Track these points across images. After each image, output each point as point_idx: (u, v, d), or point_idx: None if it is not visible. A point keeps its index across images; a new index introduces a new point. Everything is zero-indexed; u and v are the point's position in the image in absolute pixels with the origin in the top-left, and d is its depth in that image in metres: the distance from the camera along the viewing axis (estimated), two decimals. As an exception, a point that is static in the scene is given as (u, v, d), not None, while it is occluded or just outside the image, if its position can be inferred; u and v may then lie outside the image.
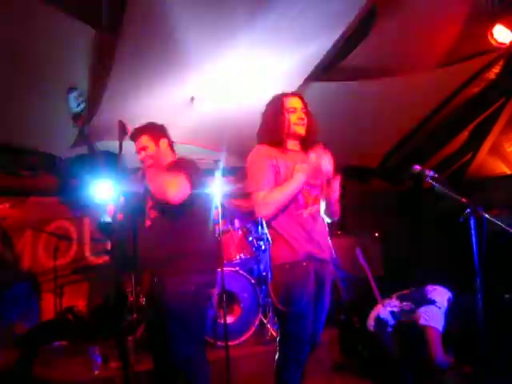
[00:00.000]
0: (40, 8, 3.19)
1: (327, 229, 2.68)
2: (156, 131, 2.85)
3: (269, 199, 2.48)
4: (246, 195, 5.89)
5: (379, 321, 3.82)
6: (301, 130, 2.62)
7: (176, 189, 2.51)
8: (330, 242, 2.66)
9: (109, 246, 5.08)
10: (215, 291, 2.92)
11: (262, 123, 2.69)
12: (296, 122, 2.61)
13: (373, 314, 3.91)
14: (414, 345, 3.61)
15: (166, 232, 2.64)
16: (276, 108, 2.63)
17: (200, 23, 3.52)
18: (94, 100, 4.08)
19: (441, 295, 3.74)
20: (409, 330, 3.68)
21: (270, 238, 2.61)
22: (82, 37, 3.50)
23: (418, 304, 3.73)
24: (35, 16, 3.24)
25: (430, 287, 3.83)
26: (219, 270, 3.88)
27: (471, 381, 3.46)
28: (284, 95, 2.67)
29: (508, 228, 2.72)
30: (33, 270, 5.38)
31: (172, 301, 2.55)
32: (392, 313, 3.82)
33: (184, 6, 3.34)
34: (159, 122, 2.91)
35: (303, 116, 2.63)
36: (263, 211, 2.51)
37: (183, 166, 2.65)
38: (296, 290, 2.45)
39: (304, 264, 2.47)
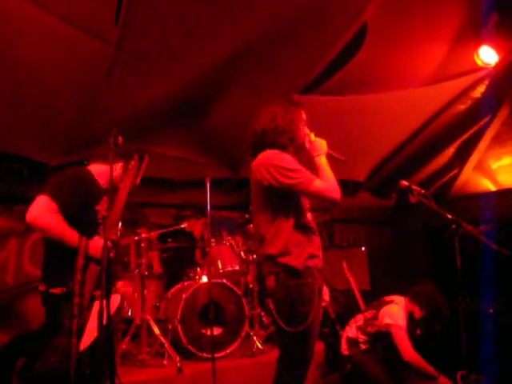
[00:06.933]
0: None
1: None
2: None
3: (330, 183, 2.44)
4: (234, 207, 5.91)
5: (350, 341, 3.80)
6: (307, 143, 2.68)
7: None
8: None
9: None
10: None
11: (280, 130, 2.54)
12: (307, 133, 2.68)
13: (343, 338, 3.90)
14: (390, 350, 3.62)
15: None
16: (298, 118, 2.62)
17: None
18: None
19: (396, 296, 3.82)
20: (379, 337, 3.69)
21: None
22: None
23: (379, 308, 3.78)
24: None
25: (385, 297, 3.91)
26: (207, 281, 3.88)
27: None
28: (299, 106, 2.69)
29: (492, 244, 2.77)
30: (17, 279, 5.29)
31: None
32: (358, 327, 3.83)
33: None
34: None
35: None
36: (337, 194, 2.42)
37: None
38: (304, 309, 2.32)
39: (309, 281, 2.35)
